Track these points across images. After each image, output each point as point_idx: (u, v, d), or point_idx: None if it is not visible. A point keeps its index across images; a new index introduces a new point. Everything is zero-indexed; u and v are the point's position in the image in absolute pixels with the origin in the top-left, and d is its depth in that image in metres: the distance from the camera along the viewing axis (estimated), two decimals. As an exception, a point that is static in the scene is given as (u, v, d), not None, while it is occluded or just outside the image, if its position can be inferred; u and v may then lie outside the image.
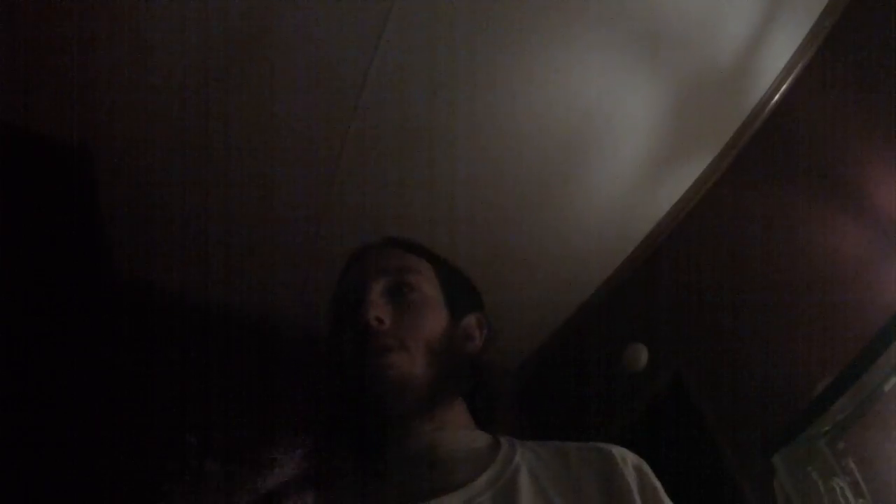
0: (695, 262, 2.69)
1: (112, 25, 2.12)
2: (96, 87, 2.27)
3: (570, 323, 3.19)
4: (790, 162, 2.40)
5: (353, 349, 0.87)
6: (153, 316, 2.69)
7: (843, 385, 1.81)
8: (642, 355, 2.73)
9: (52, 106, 2.28)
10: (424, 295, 0.94)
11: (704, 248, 2.67)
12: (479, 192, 2.71)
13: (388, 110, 2.42)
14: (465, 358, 0.92)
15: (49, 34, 2.12)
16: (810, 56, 2.35)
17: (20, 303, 2.15)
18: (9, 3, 2.05)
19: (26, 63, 2.18)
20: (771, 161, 2.48)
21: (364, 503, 0.87)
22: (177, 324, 2.72)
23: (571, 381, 3.04)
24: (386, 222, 2.67)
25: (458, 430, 0.89)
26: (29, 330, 2.16)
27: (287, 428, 2.51)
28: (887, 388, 1.75)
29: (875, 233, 2.03)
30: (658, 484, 0.85)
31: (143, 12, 2.10)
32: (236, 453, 2.52)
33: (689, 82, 2.46)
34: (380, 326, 0.86)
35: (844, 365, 1.84)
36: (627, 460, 0.87)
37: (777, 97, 2.44)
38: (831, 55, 2.30)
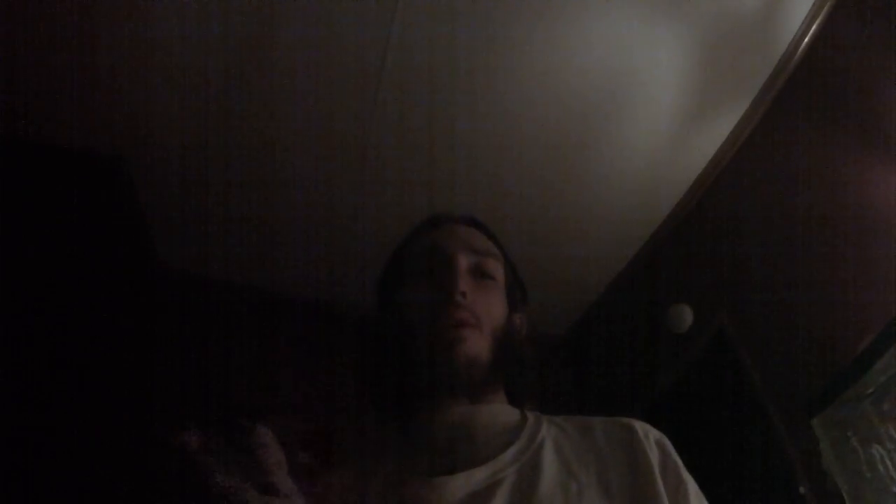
0: (735, 217, 2.57)
1: (120, 30, 2.18)
2: (122, 95, 2.35)
3: (613, 287, 3.13)
4: (827, 105, 2.22)
5: (429, 315, 0.88)
6: (199, 301, 2.80)
7: (884, 343, 1.72)
8: (686, 316, 2.65)
9: (86, 122, 2.37)
10: (498, 282, 0.96)
11: (744, 201, 2.54)
12: (511, 157, 2.66)
13: (411, 78, 2.39)
14: (514, 349, 0.94)
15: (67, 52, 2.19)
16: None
17: (73, 300, 2.28)
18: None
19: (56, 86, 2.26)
20: (807, 105, 2.31)
21: (394, 472, 0.87)
22: (223, 307, 2.83)
23: (616, 345, 3.00)
24: (418, 188, 2.69)
25: (490, 405, 0.90)
26: (84, 327, 2.29)
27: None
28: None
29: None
30: (678, 460, 0.86)
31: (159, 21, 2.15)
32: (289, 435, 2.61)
33: (716, 30, 2.31)
34: (463, 300, 0.88)
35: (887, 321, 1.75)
36: (650, 435, 0.88)
37: (808, 37, 2.26)
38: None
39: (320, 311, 2.88)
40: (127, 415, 2.26)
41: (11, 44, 2.14)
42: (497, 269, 0.98)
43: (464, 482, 0.80)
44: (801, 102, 2.34)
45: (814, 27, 2.25)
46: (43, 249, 2.21)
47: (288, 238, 2.84)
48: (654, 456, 0.84)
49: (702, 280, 2.66)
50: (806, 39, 2.28)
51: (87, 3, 2.08)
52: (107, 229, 2.47)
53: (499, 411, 0.91)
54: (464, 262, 0.93)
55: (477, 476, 0.80)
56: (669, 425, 2.31)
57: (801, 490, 1.84)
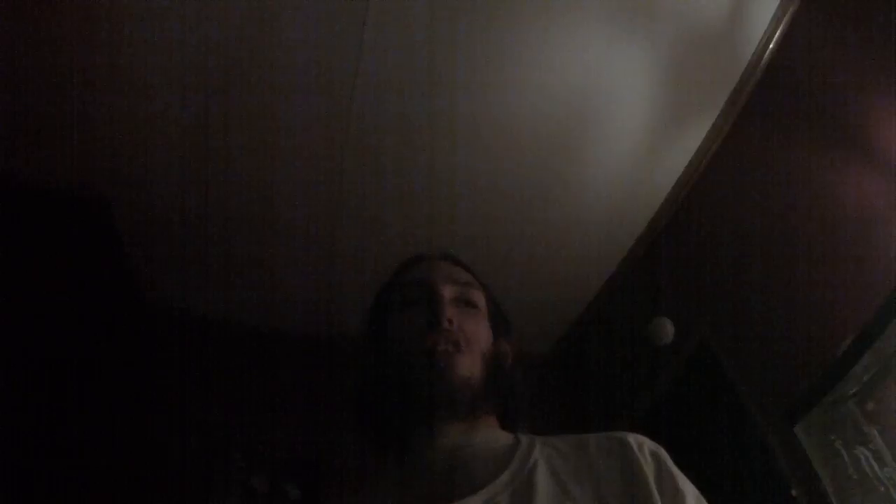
0: (709, 228, 2.54)
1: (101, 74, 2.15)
2: (104, 137, 2.31)
3: (594, 304, 3.09)
4: (795, 108, 2.22)
5: (419, 343, 0.89)
6: (190, 339, 2.74)
7: (863, 344, 1.68)
8: (668, 328, 2.60)
9: (70, 165, 2.33)
10: (481, 310, 0.99)
11: (717, 211, 2.52)
12: (482, 184, 2.64)
13: (382, 105, 2.37)
14: (503, 373, 0.96)
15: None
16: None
17: (68, 340, 2.22)
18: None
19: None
20: (776, 110, 2.30)
21: (388, 502, 0.89)
22: (214, 345, 2.76)
23: (601, 361, 2.95)
24: (392, 219, 2.67)
25: (483, 431, 0.91)
26: (74, 362, 2.24)
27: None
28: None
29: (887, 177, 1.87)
30: (675, 470, 0.84)
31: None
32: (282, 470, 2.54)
33: (681, 43, 2.32)
34: (450, 327, 0.90)
35: (866, 321, 1.72)
36: (644, 448, 0.86)
37: (773, 44, 2.26)
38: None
39: (312, 345, 2.84)
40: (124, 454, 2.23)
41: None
42: (479, 297, 1.00)
43: None
44: (770, 108, 2.33)
45: (777, 33, 2.25)
46: (31, 295, 2.16)
47: (277, 274, 2.81)
48: (649, 468, 0.83)
49: (680, 292, 2.62)
50: (770, 46, 2.28)
51: (66, 47, 2.07)
52: (93, 271, 2.42)
53: (492, 437, 0.92)
54: (447, 292, 0.96)
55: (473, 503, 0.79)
56: (657, 439, 2.27)
57: (793, 493, 1.79)
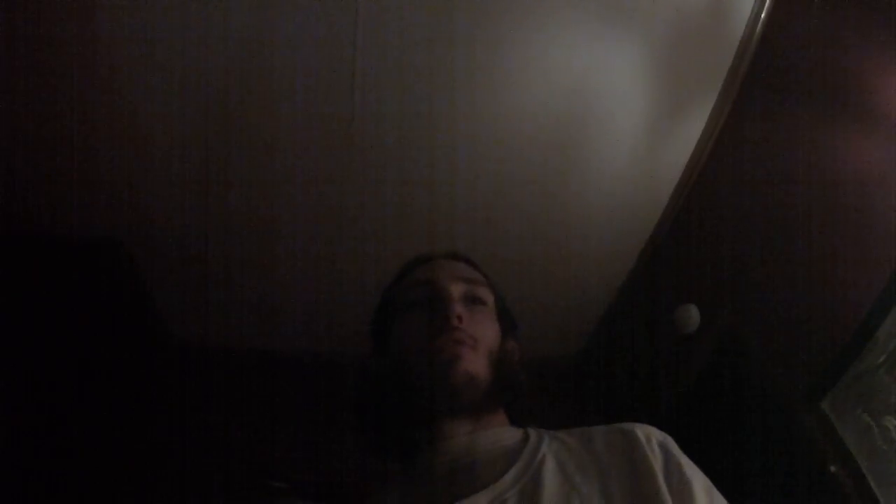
0: (722, 210, 2.50)
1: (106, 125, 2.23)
2: (113, 183, 2.38)
3: (617, 301, 3.05)
4: (793, 81, 2.16)
5: (427, 341, 0.89)
6: (214, 369, 2.79)
7: (883, 310, 1.63)
8: (694, 315, 2.56)
9: (84, 210, 2.40)
10: (489, 307, 0.99)
11: (728, 193, 2.47)
12: (486, 189, 2.63)
13: (377, 114, 2.37)
14: (511, 371, 0.95)
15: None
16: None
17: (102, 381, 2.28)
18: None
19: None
20: (773, 86, 2.25)
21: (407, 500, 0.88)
22: (238, 374, 2.82)
23: (630, 356, 2.91)
24: (396, 218, 2.67)
25: (490, 428, 0.91)
26: (102, 398, 2.30)
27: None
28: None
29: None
30: (683, 460, 0.84)
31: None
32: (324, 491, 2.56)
33: (670, 32, 2.29)
34: (459, 324, 0.90)
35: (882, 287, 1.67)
36: (652, 438, 0.86)
37: (762, 20, 2.22)
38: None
39: (325, 367, 2.86)
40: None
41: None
42: (487, 294, 1.00)
43: None
44: (768, 83, 2.28)
45: (765, 9, 2.21)
46: (54, 338, 2.23)
47: (288, 299, 2.84)
48: (656, 459, 0.82)
49: (702, 278, 2.58)
50: (760, 22, 2.23)
51: (69, 95, 2.15)
52: (112, 311, 2.48)
53: (500, 434, 0.91)
54: (455, 290, 0.96)
55: (480, 502, 0.79)
56: (690, 427, 2.23)
57: (832, 469, 1.74)
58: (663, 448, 0.85)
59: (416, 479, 0.90)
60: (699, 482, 0.82)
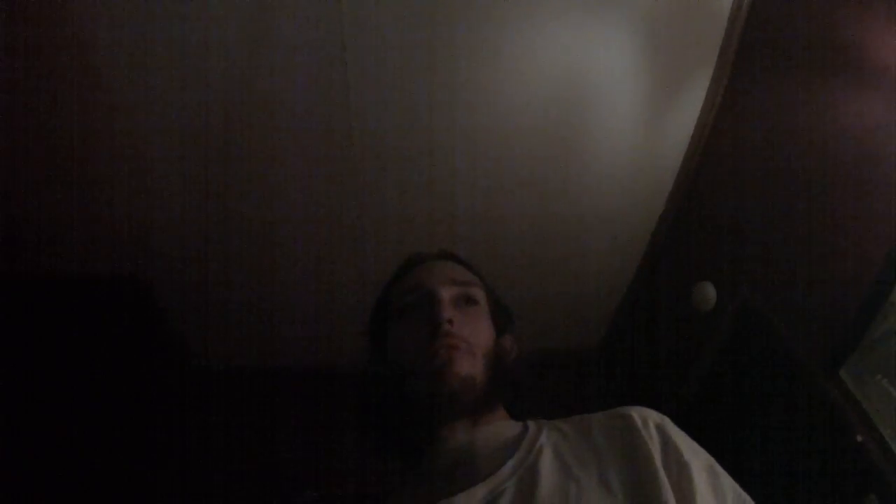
0: (730, 182, 2.43)
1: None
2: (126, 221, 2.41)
3: (633, 287, 3.00)
4: (787, 44, 2.10)
5: (419, 346, 0.89)
6: (237, 391, 2.82)
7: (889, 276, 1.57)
8: (710, 293, 2.50)
9: (103, 251, 2.44)
10: (481, 307, 0.98)
11: (734, 163, 2.41)
12: (490, 186, 2.61)
13: (373, 111, 2.35)
14: (507, 369, 0.94)
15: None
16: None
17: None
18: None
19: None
20: (769, 51, 2.19)
21: (409, 498, 0.89)
22: (262, 393, 2.84)
23: (650, 340, 2.86)
24: (401, 221, 2.64)
25: (489, 425, 0.90)
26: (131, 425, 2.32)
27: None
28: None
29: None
30: (682, 441, 0.82)
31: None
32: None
33: (660, 8, 2.24)
34: (450, 328, 0.89)
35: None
36: (649, 421, 0.85)
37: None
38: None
39: (346, 379, 2.86)
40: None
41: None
42: (478, 295, 0.99)
43: (465, 501, 0.79)
44: (762, 51, 2.22)
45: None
46: (83, 377, 2.27)
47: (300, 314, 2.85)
48: (653, 442, 0.81)
49: (716, 255, 2.51)
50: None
51: (72, 133, 2.19)
52: (137, 341, 2.52)
53: (499, 428, 0.91)
54: (445, 293, 0.95)
55: (478, 494, 0.80)
56: (715, 405, 2.17)
57: (859, 438, 1.68)
58: (660, 430, 0.83)
59: (417, 477, 0.90)
60: (699, 463, 0.81)
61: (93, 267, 2.42)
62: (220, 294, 2.65)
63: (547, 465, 0.82)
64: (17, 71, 2.00)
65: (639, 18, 2.27)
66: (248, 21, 2.06)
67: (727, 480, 0.81)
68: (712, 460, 0.83)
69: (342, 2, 2.05)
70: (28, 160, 2.21)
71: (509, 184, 2.63)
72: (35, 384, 2.12)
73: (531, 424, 0.92)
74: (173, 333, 2.75)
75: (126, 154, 2.28)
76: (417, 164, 2.50)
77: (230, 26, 2.06)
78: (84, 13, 1.96)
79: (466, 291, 0.98)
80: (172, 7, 1.97)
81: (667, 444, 0.81)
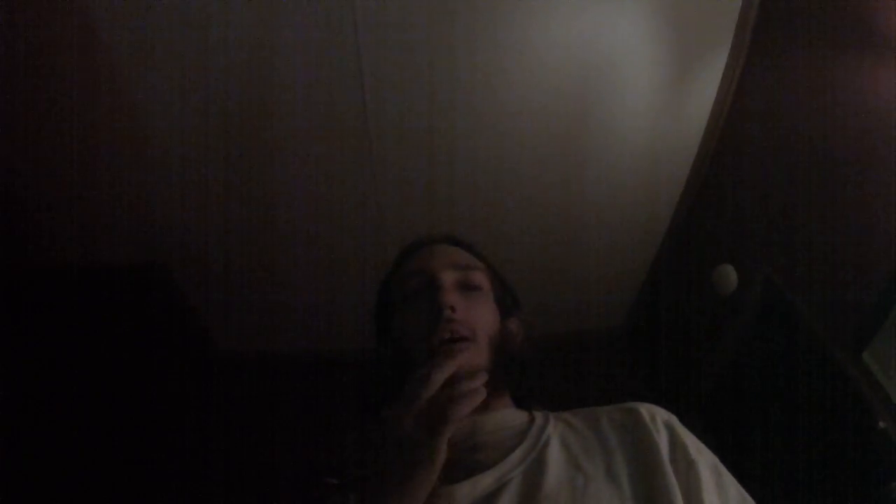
0: (750, 162, 2.37)
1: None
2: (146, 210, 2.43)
3: (653, 269, 2.96)
4: (807, 18, 2.02)
5: (423, 334, 0.87)
6: (259, 376, 2.85)
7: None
8: (731, 275, 2.45)
9: (125, 240, 2.47)
10: (484, 292, 0.96)
11: (754, 143, 2.34)
12: (515, 168, 2.59)
13: (387, 102, 2.33)
14: (512, 354, 0.93)
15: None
16: None
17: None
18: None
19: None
20: (788, 27, 2.11)
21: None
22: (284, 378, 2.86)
23: (672, 323, 2.82)
24: (419, 208, 2.64)
25: (495, 413, 0.90)
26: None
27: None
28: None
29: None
30: (689, 439, 0.83)
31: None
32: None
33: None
34: (453, 314, 0.87)
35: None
36: (657, 418, 0.85)
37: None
38: None
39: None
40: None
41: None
42: (482, 279, 0.97)
43: (470, 488, 0.79)
44: (778, 26, 2.15)
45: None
46: (109, 361, 2.31)
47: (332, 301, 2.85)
48: (661, 439, 0.82)
49: (736, 236, 2.46)
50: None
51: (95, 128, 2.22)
52: (161, 326, 2.55)
53: (505, 417, 0.90)
54: (448, 278, 0.93)
55: (484, 481, 0.80)
56: (738, 390, 2.13)
57: (881, 425, 1.64)
58: (668, 427, 0.84)
59: None
60: (705, 461, 0.81)
61: (111, 255, 2.46)
62: (238, 280, 2.68)
63: (554, 455, 0.82)
64: (41, 66, 2.02)
65: (653, -1, 2.20)
66: (262, 14, 2.05)
67: (730, 479, 0.81)
68: (716, 459, 0.83)
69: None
70: (49, 152, 2.23)
71: (530, 167, 2.60)
72: (54, 374, 2.15)
73: (537, 415, 0.92)
74: (193, 320, 2.78)
75: (146, 144, 2.30)
76: (435, 149, 2.48)
77: (245, 19, 2.05)
78: (97, 9, 1.96)
79: (468, 276, 0.96)
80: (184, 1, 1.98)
81: (674, 440, 0.82)
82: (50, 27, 1.97)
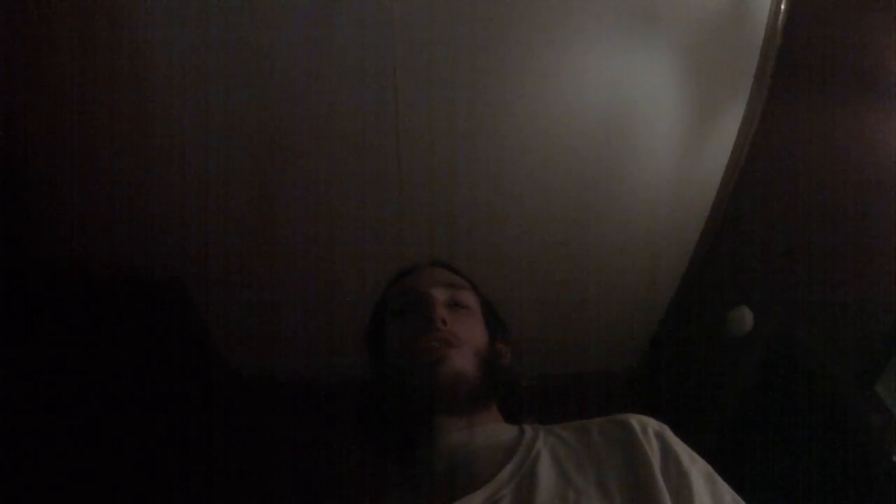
0: (768, 204, 2.38)
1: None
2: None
3: (671, 311, 2.94)
4: (825, 65, 2.06)
5: (414, 347, 0.91)
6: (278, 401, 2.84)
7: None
8: (747, 317, 2.43)
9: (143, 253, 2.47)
10: (473, 310, 1.01)
11: (773, 185, 2.36)
12: (524, 202, 2.59)
13: (416, 127, 2.35)
14: (501, 368, 0.97)
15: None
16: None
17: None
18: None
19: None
20: (804, 75, 2.16)
21: None
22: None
23: (687, 365, 2.78)
24: (446, 241, 2.63)
25: (484, 426, 0.91)
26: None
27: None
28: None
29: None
30: (681, 449, 0.81)
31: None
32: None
33: (694, 35, 2.24)
34: (443, 326, 0.92)
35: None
36: (648, 429, 0.84)
37: (783, 7, 2.16)
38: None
39: None
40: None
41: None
42: (470, 298, 1.02)
43: None
44: (798, 74, 2.20)
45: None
46: (123, 378, 2.29)
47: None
48: (653, 450, 0.80)
49: (752, 278, 2.45)
50: (781, 12, 2.16)
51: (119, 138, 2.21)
52: (177, 344, 2.53)
53: (494, 431, 0.91)
54: (439, 295, 0.98)
55: (475, 501, 0.78)
56: (753, 428, 2.08)
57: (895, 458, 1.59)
58: (660, 438, 0.82)
59: (413, 479, 0.90)
60: (698, 471, 0.79)
61: (130, 269, 2.42)
62: (259, 297, 2.68)
63: (545, 470, 0.81)
64: (64, 74, 1.99)
65: (676, 43, 2.27)
66: (301, 27, 2.10)
67: (725, 488, 0.79)
68: (710, 468, 0.81)
69: (394, 18, 2.09)
70: (70, 162, 2.22)
71: (547, 206, 2.62)
72: (72, 384, 2.13)
73: (527, 428, 0.91)
74: (212, 337, 2.77)
75: (170, 156, 2.32)
76: (461, 181, 2.52)
77: (284, 30, 2.10)
78: (134, 13, 2.00)
79: (458, 294, 1.00)
80: (219, 9, 2.03)
81: (666, 451, 0.80)
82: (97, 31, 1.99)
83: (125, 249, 2.33)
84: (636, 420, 0.85)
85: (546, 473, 0.80)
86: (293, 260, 2.60)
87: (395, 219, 2.56)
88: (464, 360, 0.89)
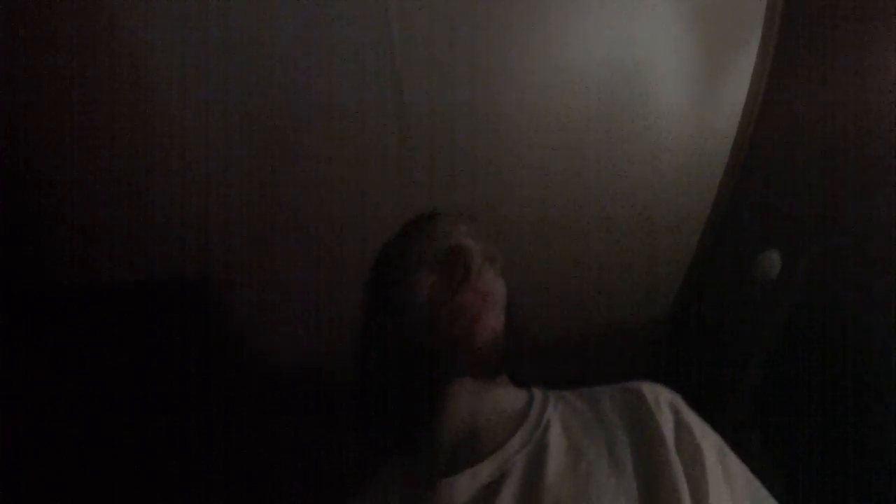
0: (787, 147, 2.33)
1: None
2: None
3: (698, 257, 2.90)
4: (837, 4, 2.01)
5: (446, 299, 0.87)
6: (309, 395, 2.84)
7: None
8: (775, 260, 2.40)
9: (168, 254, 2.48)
10: (498, 265, 0.98)
11: (791, 128, 2.31)
12: (538, 164, 2.54)
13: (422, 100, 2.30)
14: (518, 329, 0.94)
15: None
16: None
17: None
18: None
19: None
20: (816, 12, 2.09)
21: (408, 479, 0.86)
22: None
23: (716, 313, 2.76)
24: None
25: (495, 391, 0.88)
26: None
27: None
28: None
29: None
30: (694, 420, 0.80)
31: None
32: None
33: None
34: (479, 282, 0.90)
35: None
36: (661, 399, 0.83)
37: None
38: None
39: None
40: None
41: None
42: (496, 252, 0.98)
43: (469, 481, 0.77)
44: (809, 13, 2.11)
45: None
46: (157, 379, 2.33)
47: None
48: (665, 420, 0.79)
49: (778, 222, 2.41)
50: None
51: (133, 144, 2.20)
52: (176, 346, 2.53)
53: (504, 396, 0.88)
54: (474, 247, 0.93)
55: (483, 471, 0.77)
56: (783, 380, 2.07)
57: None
58: (673, 408, 0.81)
59: (419, 451, 0.87)
60: (710, 443, 0.78)
61: (130, 269, 2.42)
62: (259, 297, 2.67)
63: (555, 439, 0.79)
64: (64, 74, 1.97)
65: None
66: (299, 21, 2.06)
67: (736, 462, 0.78)
68: (721, 441, 0.80)
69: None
70: (70, 162, 2.18)
71: (563, 164, 2.57)
72: (72, 384, 2.14)
73: (536, 393, 0.89)
74: (239, 333, 2.77)
75: (170, 156, 2.27)
76: (471, 151, 2.47)
77: (283, 25, 2.06)
78: (134, 13, 1.96)
79: (487, 248, 0.96)
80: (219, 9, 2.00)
81: (679, 424, 0.79)
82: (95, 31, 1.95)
83: (125, 249, 2.32)
84: (648, 389, 0.83)
85: (557, 443, 0.78)
86: (294, 260, 2.59)
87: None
88: (497, 320, 0.86)
